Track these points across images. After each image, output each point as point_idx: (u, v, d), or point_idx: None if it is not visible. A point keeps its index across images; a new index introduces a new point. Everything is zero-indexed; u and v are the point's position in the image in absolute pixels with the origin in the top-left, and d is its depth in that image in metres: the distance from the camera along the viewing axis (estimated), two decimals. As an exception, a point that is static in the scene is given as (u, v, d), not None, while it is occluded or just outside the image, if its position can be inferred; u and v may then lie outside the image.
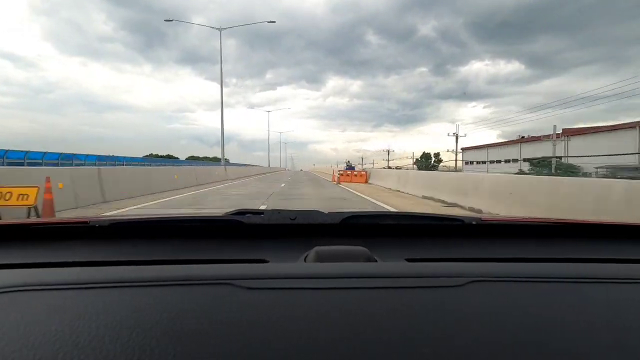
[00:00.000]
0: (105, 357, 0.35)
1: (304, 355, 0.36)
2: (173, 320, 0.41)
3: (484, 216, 0.90)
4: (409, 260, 0.66)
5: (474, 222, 0.84)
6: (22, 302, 0.45)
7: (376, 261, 0.62)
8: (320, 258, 0.61)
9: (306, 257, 0.63)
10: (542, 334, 0.40)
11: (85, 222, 0.79)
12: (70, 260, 0.65)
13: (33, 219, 0.84)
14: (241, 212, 0.88)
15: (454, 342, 0.39)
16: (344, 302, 0.46)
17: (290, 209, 0.91)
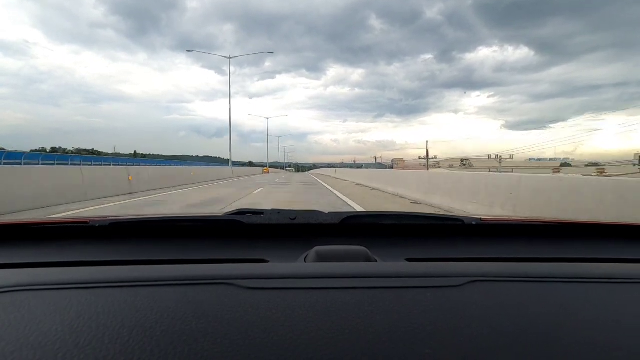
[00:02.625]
0: (105, 357, 0.35)
1: (304, 355, 0.36)
2: (173, 320, 0.41)
3: (484, 216, 0.91)
4: (409, 260, 0.66)
5: (474, 222, 0.84)
6: (22, 302, 0.45)
7: (376, 261, 0.62)
8: (320, 258, 0.61)
9: (306, 257, 0.63)
10: (542, 334, 0.40)
11: (85, 222, 0.79)
12: (70, 260, 0.65)
13: (33, 219, 0.85)
14: (241, 212, 0.88)
15: (454, 342, 0.39)
16: (344, 302, 0.46)
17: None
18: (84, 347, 0.36)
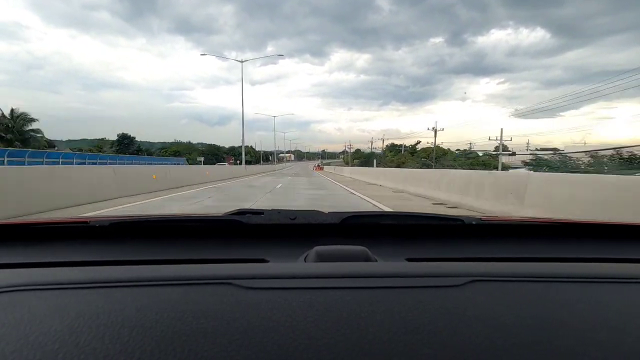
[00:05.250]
0: (105, 357, 0.35)
1: (304, 355, 0.36)
2: (173, 320, 0.41)
3: (484, 216, 0.91)
4: (409, 260, 0.66)
5: (474, 222, 0.84)
6: (22, 302, 0.45)
7: (376, 261, 0.62)
8: (321, 258, 0.61)
9: (306, 256, 0.63)
10: (542, 334, 0.40)
11: (86, 222, 0.79)
12: (70, 260, 0.65)
13: (33, 219, 0.85)
14: (241, 212, 0.88)
15: (454, 342, 0.39)
16: (344, 302, 0.46)
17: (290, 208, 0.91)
18: (83, 347, 0.36)
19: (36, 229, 0.83)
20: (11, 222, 0.82)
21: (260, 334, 0.39)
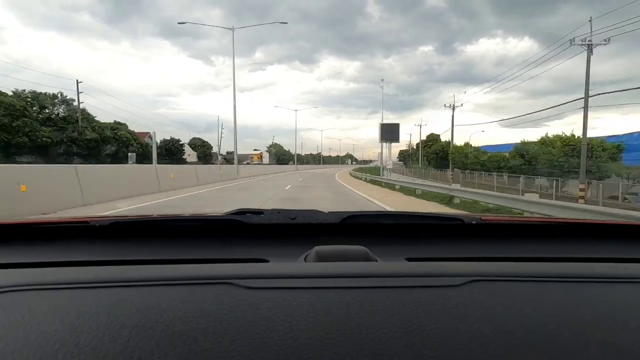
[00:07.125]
0: (105, 357, 0.35)
1: (304, 355, 0.36)
2: (173, 320, 0.41)
3: (484, 216, 0.91)
4: (409, 259, 0.66)
5: (474, 222, 0.84)
6: (22, 302, 0.45)
7: (376, 260, 0.62)
8: (320, 257, 0.61)
9: (306, 256, 0.63)
10: (542, 333, 0.40)
11: (86, 222, 0.79)
12: (70, 260, 0.65)
13: (33, 219, 0.85)
14: (241, 212, 0.88)
15: (454, 342, 0.39)
16: (344, 301, 0.46)
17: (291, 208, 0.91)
18: (84, 347, 0.36)
19: (36, 228, 0.83)
20: (11, 222, 0.82)
21: (261, 334, 0.39)
